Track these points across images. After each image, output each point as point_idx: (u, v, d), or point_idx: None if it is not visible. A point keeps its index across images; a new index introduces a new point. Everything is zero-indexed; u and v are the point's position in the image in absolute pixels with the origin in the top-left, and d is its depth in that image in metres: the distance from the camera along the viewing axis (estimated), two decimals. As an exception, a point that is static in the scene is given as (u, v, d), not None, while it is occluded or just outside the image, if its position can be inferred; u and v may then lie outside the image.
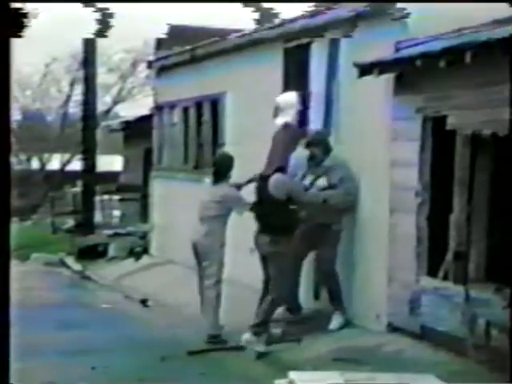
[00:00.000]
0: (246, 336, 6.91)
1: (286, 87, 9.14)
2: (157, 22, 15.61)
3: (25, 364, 6.55)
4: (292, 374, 5.65)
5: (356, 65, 6.99)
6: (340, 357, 6.45)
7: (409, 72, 6.73)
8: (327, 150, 7.56)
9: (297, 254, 7.35)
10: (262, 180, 7.31)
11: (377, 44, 7.18)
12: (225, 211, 7.53)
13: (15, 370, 6.26)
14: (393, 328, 7.04)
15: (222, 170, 7.64)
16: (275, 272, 7.10)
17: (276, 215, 7.08)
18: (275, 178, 7.19)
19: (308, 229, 7.32)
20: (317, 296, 7.97)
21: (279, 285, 7.09)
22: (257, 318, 7.01)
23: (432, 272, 6.67)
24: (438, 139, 6.72)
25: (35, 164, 32.02)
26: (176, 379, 6.17)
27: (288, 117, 8.00)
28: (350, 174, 7.50)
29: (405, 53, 6.79)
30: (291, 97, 8.21)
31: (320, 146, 7.47)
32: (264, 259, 7.23)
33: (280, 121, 8.04)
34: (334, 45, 8.01)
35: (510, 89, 5.54)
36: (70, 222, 18.39)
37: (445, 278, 6.48)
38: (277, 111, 8.14)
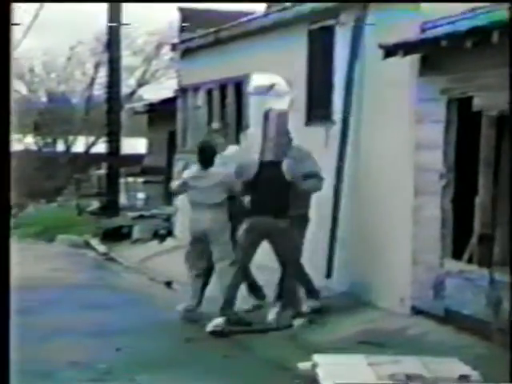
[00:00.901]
0: (271, 315, 6.99)
1: (311, 69, 9.11)
2: (181, 4, 15.58)
3: (50, 344, 6.66)
4: (316, 357, 5.65)
5: (381, 46, 6.93)
6: (364, 339, 6.45)
7: (434, 53, 6.66)
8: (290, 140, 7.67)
9: None
10: (272, 164, 7.32)
11: (402, 25, 7.11)
12: (227, 193, 7.61)
13: (41, 348, 6.41)
14: (417, 311, 7.02)
15: (209, 155, 7.72)
16: (288, 253, 7.21)
17: (283, 198, 7.20)
18: (289, 162, 7.28)
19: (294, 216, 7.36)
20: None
21: (295, 266, 7.24)
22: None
23: (457, 255, 6.63)
24: (463, 120, 6.66)
25: (60, 146, 32.23)
26: (200, 361, 6.20)
27: (284, 103, 7.79)
28: (315, 162, 7.61)
29: (430, 33, 6.72)
30: (284, 83, 8.02)
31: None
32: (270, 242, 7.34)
33: (277, 106, 7.74)
34: (357, 26, 7.95)
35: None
36: (94, 204, 18.50)
37: (469, 260, 6.44)
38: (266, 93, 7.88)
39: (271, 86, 7.43)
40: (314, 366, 5.53)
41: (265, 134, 7.42)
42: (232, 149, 8.55)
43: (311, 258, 7.84)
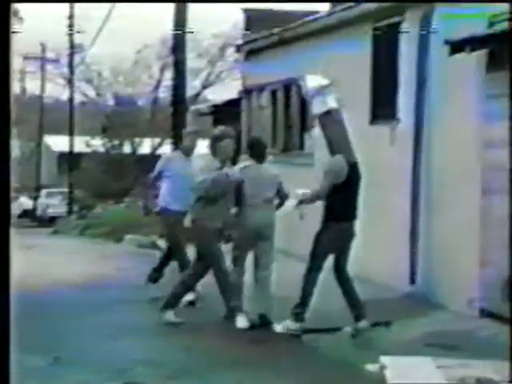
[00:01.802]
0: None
1: (375, 67, 9.03)
2: (245, 6, 15.65)
3: (121, 342, 6.77)
4: (383, 359, 5.59)
5: (447, 42, 6.82)
6: (432, 342, 6.35)
7: (501, 48, 6.52)
8: None
9: None
10: (356, 165, 7.10)
11: (468, 20, 6.98)
12: (275, 190, 7.55)
13: (113, 346, 6.52)
14: (485, 313, 6.88)
15: (262, 150, 7.68)
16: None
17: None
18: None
19: None
20: None
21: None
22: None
23: (527, 255, 6.46)
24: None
25: (127, 148, 32.76)
26: (265, 361, 6.20)
27: (333, 102, 7.41)
28: None
29: (498, 28, 6.57)
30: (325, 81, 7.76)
31: None
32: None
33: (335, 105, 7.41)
34: (425, 22, 7.83)
35: None
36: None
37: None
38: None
39: (327, 86, 7.24)
40: (382, 367, 5.48)
41: (337, 133, 7.13)
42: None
43: (389, 262, 7.74)
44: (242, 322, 7.20)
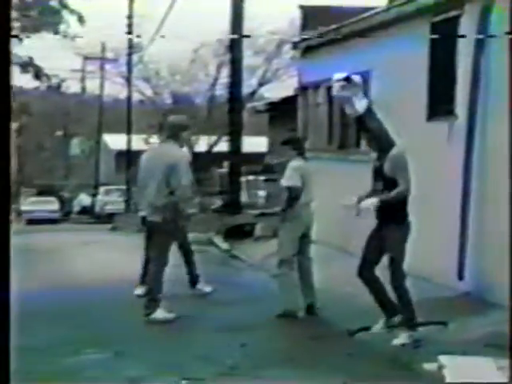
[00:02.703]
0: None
1: (433, 63, 8.89)
2: (301, 2, 15.61)
3: (176, 339, 6.83)
4: (442, 359, 5.51)
5: (508, 33, 6.65)
6: (491, 342, 6.22)
7: None
8: None
9: None
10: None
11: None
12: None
13: (170, 341, 6.58)
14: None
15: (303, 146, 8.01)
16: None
17: None
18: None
19: None
20: None
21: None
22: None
23: None
24: None
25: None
26: (323, 359, 6.17)
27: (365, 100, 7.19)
28: None
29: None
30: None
31: None
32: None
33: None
34: (484, 16, 7.68)
35: None
36: (217, 202, 18.83)
37: None
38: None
39: (359, 83, 7.09)
40: (441, 367, 5.39)
41: (382, 127, 6.91)
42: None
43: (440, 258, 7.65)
44: None
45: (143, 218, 7.95)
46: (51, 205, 38.97)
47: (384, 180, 6.46)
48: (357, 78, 6.81)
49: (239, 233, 14.59)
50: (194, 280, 8.98)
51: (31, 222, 34.79)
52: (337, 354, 6.27)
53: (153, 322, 7.30)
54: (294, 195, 7.62)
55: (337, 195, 7.92)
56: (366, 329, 6.80)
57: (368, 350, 6.39)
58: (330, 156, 11.81)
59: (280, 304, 7.55)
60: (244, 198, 17.76)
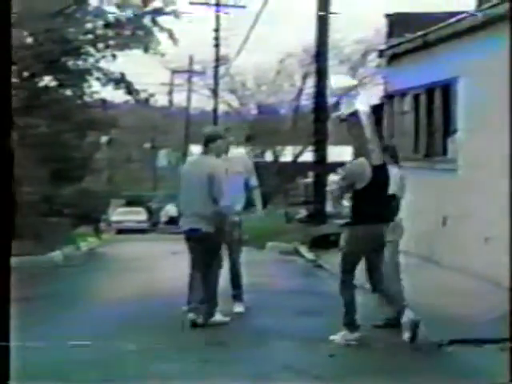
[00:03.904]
0: None
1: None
2: (387, 10, 15.49)
3: (267, 347, 6.83)
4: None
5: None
6: None
7: None
8: None
9: None
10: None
11: None
12: None
13: (258, 351, 6.59)
14: None
15: None
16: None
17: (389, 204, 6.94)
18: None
19: None
20: None
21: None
22: None
23: None
24: None
25: (269, 157, 33.17)
26: (408, 371, 6.05)
27: (361, 104, 7.02)
28: None
29: None
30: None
31: None
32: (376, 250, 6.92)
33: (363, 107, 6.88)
34: None
35: None
36: (302, 212, 18.81)
37: None
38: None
39: (354, 87, 6.94)
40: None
41: (362, 136, 6.75)
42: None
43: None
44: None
45: (188, 231, 7.79)
46: (139, 215, 39.74)
47: None
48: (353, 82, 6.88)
49: (325, 242, 14.52)
50: (234, 295, 8.49)
51: (120, 231, 35.57)
52: (429, 366, 6.15)
53: (212, 324, 7.44)
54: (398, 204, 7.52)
55: (423, 205, 7.82)
56: (458, 341, 6.64)
57: (457, 363, 6.24)
58: (416, 165, 11.63)
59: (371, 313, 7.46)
60: (329, 207, 17.65)
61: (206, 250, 7.68)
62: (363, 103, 6.75)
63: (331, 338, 6.90)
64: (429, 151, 11.51)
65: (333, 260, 13.02)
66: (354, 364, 6.24)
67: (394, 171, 7.32)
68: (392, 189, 7.12)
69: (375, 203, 6.72)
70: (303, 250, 14.85)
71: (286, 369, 6.02)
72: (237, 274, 8.39)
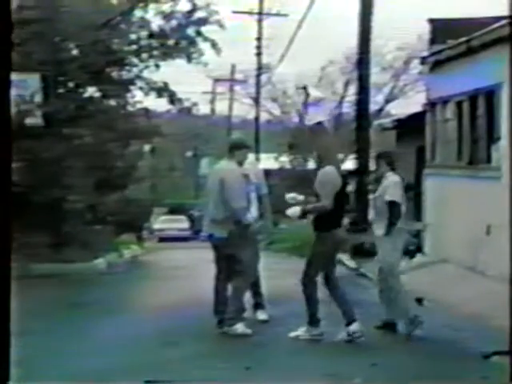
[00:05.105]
0: None
1: None
2: (430, 16, 15.35)
3: (304, 355, 6.82)
4: None
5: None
6: None
7: None
8: None
9: None
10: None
11: None
12: None
13: (296, 359, 6.58)
14: None
15: None
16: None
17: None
18: None
19: None
20: None
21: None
22: None
23: None
24: None
25: (311, 165, 33.10)
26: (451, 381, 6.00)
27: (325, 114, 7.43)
28: None
29: None
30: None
31: None
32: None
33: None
34: None
35: None
36: (345, 221, 18.71)
37: None
38: None
39: (322, 99, 7.27)
40: None
41: (328, 145, 7.45)
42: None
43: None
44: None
45: (207, 237, 7.86)
46: (181, 223, 39.93)
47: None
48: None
49: (366, 251, 14.45)
50: (256, 303, 8.51)
51: (162, 239, 35.78)
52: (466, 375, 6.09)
53: (231, 334, 7.41)
54: (397, 210, 7.76)
55: (466, 213, 7.74)
56: (502, 352, 6.55)
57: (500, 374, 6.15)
58: (459, 172, 11.51)
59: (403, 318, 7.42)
60: (371, 215, 17.57)
61: (224, 255, 7.69)
62: (326, 113, 7.34)
63: (292, 334, 7.18)
64: (472, 159, 11.40)
65: (375, 268, 12.98)
66: (395, 373, 6.19)
67: (389, 178, 7.45)
68: (391, 195, 7.68)
69: (340, 210, 7.50)
70: (345, 258, 14.79)
71: (327, 376, 6.00)
72: (256, 282, 8.35)
